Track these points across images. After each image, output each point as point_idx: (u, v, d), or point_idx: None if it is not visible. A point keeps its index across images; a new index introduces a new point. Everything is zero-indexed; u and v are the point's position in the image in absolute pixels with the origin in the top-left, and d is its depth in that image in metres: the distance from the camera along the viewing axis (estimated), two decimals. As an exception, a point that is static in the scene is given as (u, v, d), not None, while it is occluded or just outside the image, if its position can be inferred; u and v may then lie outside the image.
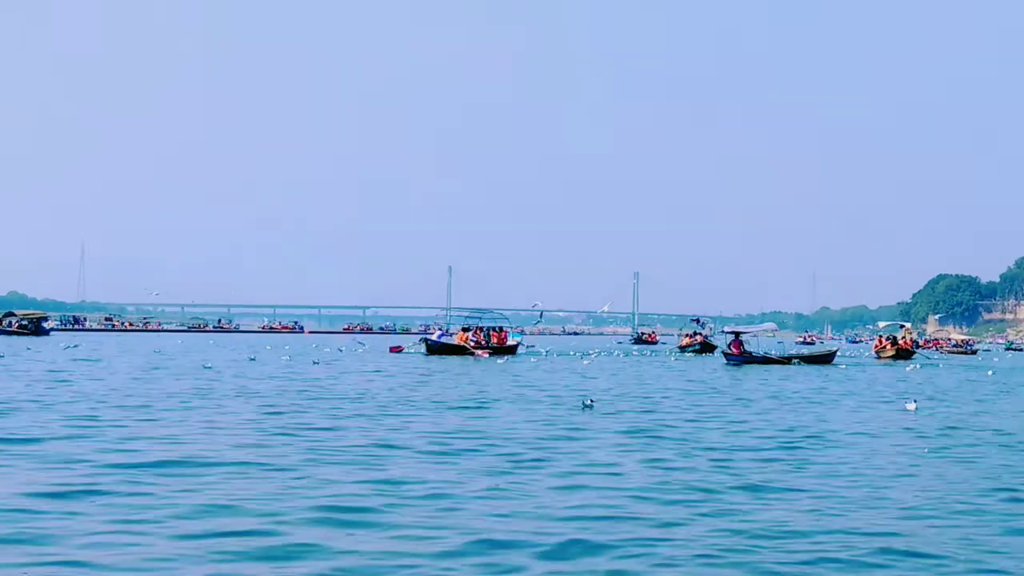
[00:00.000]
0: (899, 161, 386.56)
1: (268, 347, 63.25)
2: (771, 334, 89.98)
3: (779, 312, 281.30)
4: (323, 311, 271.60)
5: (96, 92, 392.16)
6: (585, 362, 49.65)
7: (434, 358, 48.48)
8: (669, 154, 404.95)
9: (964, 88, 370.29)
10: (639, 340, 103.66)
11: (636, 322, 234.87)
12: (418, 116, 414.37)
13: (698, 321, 70.14)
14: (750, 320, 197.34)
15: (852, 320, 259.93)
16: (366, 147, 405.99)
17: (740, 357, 46.66)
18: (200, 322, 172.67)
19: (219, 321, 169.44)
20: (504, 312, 59.21)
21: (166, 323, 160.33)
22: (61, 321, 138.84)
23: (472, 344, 51.88)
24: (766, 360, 46.40)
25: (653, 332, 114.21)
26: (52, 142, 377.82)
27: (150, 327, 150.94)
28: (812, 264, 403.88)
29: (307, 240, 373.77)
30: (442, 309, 53.20)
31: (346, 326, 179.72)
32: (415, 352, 56.08)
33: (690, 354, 60.31)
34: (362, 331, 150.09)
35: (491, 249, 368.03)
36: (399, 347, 60.88)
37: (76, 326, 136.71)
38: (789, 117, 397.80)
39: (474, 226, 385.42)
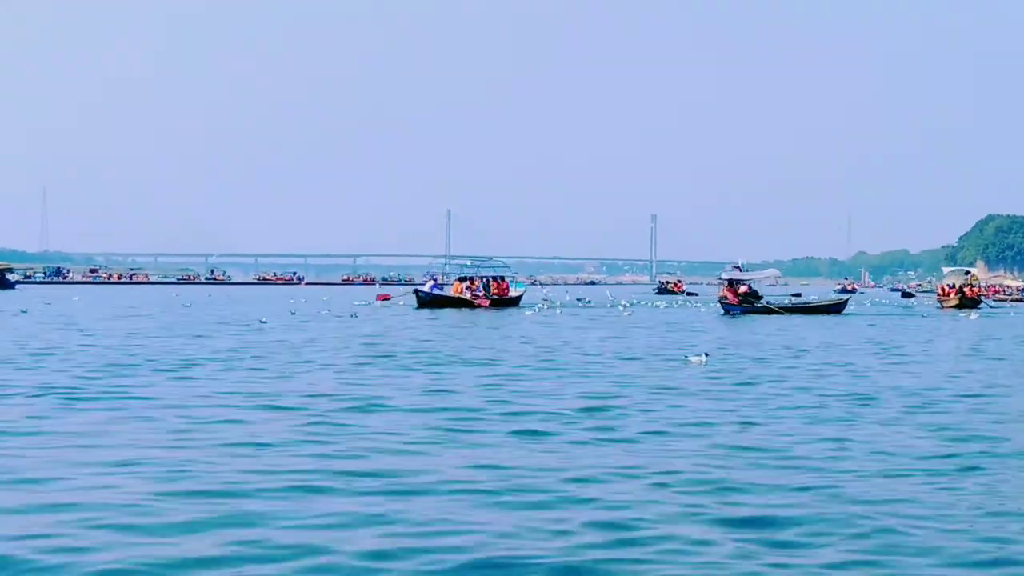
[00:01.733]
0: (941, 90, 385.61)
1: (292, 300, 62.94)
2: (774, 281, 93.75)
3: (811, 258, 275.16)
4: (309, 260, 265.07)
5: (52, 30, 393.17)
6: (626, 313, 48.40)
7: (427, 311, 46.76)
8: (689, 83, 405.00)
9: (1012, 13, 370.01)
10: (663, 290, 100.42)
11: (654, 270, 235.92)
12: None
13: (740, 268, 70.55)
14: (777, 267, 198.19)
15: (892, 266, 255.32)
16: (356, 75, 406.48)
17: (739, 307, 46.86)
18: (190, 273, 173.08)
19: (211, 272, 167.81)
20: (505, 260, 59.88)
21: (153, 275, 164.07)
22: (45, 273, 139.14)
23: (470, 295, 50.84)
24: (769, 310, 46.26)
25: (679, 281, 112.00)
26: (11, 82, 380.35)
27: (137, 279, 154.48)
28: (847, 204, 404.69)
29: (289, 183, 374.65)
30: (437, 257, 53.31)
31: (345, 276, 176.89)
32: (404, 304, 54.81)
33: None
34: (365, 282, 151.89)
35: (494, 192, 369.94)
36: (387, 295, 60.29)
37: (58, 279, 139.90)
38: (820, 43, 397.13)
39: (475, 168, 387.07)
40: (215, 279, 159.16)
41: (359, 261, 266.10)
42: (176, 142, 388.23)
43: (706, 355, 20.83)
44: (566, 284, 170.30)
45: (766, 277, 55.04)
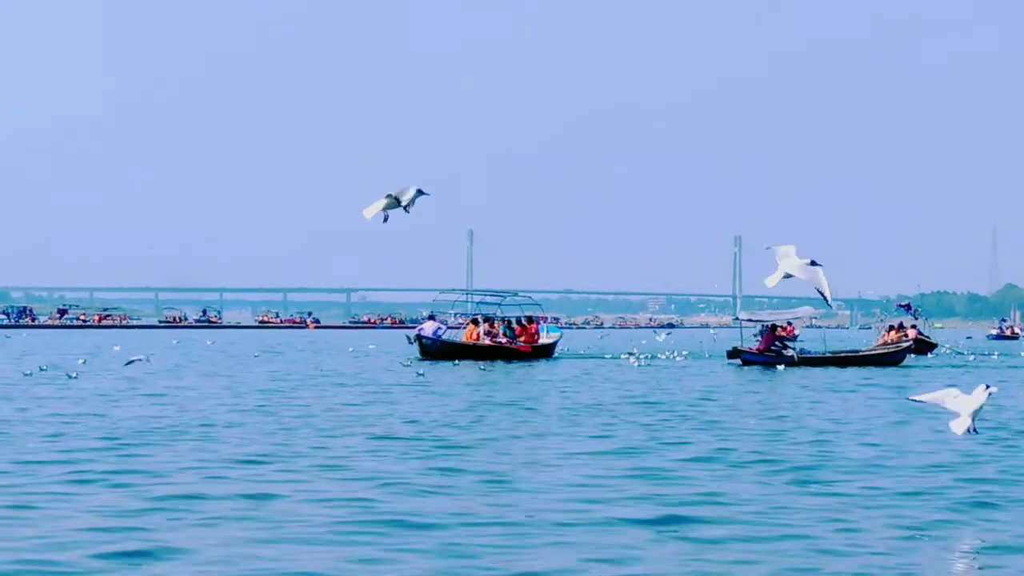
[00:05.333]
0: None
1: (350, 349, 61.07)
2: (808, 322, 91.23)
3: (944, 292, 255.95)
4: (289, 296, 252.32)
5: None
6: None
7: (433, 364, 42.93)
8: (787, 80, 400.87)
9: None
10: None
11: (738, 307, 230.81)
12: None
13: (908, 307, 68.92)
14: (906, 302, 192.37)
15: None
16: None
17: (762, 356, 45.32)
18: (175, 313, 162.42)
19: (204, 312, 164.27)
20: (546, 295, 55.56)
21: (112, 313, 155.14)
22: (5, 314, 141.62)
23: (490, 341, 48.31)
24: (806, 360, 44.83)
25: (791, 324, 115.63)
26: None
27: (114, 322, 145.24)
28: (991, 227, 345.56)
29: (261, 199, 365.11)
30: (444, 292, 50.87)
31: (367, 318, 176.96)
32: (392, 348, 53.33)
33: None
34: (395, 325, 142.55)
35: (524, 211, 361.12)
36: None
37: (21, 321, 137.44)
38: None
39: (500, 181, 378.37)
40: (210, 321, 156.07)
41: (354, 297, 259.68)
42: (91, 162, 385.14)
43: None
44: (636, 327, 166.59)
45: (799, 317, 54.63)
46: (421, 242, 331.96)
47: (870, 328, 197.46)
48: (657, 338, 65.65)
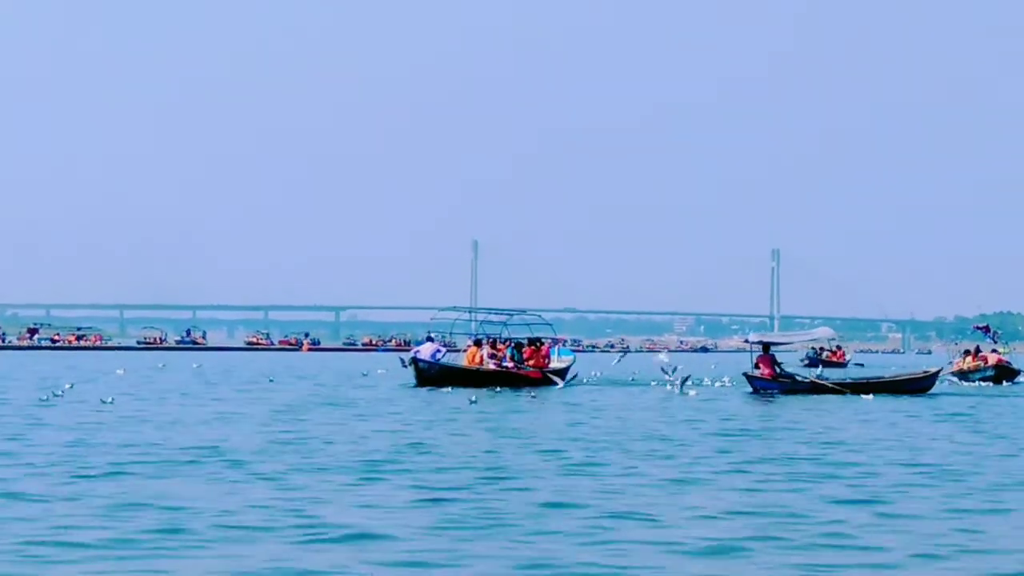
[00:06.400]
0: None
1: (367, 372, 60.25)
2: (827, 345, 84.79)
3: (1005, 313, 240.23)
4: (271, 314, 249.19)
5: None
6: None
7: (430, 392, 41.46)
8: (827, 81, 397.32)
9: None
10: (817, 361, 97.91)
11: (776, 329, 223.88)
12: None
13: (987, 329, 65.80)
14: (960, 325, 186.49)
15: None
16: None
17: (775, 384, 44.59)
18: (155, 333, 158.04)
19: (188, 333, 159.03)
20: (560, 314, 52.49)
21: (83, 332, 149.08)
22: None
23: (495, 365, 46.53)
24: (818, 388, 44.14)
25: (840, 348, 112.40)
26: None
27: (90, 343, 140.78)
28: None
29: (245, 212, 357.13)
30: (444, 309, 48.84)
31: (367, 339, 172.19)
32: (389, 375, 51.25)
33: (979, 383, 57.17)
34: (400, 348, 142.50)
35: (533, 219, 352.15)
36: None
37: None
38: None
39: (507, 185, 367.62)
40: (194, 342, 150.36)
41: (343, 316, 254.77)
42: (51, 169, 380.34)
43: None
44: (668, 351, 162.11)
45: (815, 340, 55.07)
46: (420, 255, 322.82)
47: (930, 353, 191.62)
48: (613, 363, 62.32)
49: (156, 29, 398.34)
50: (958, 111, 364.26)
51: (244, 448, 19.79)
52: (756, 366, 45.40)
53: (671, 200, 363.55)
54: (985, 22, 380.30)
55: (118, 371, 56.12)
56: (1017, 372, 57.99)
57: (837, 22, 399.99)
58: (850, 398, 41.99)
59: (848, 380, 47.58)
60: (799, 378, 46.08)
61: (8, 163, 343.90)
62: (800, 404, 37.92)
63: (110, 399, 32.84)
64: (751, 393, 43.95)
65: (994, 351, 61.74)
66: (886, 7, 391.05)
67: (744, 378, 46.17)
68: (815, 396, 42.24)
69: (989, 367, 58.53)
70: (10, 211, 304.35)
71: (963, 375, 58.59)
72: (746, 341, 51.62)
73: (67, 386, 38.24)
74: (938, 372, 49.52)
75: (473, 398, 35.67)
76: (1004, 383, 55.40)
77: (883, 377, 49.49)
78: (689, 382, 45.78)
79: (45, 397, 34.60)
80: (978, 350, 61.30)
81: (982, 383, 55.75)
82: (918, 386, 46.65)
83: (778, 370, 45.50)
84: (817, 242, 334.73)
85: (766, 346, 46.27)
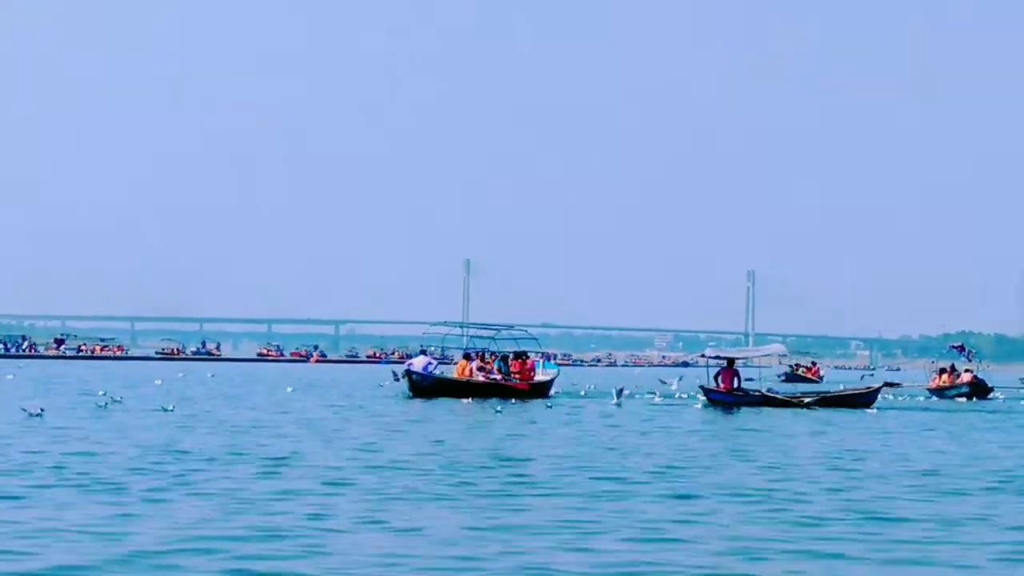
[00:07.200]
0: None
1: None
2: (778, 359, 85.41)
3: (969, 332, 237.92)
4: (274, 327, 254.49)
5: None
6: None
7: (425, 403, 42.23)
8: (802, 101, 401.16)
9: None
10: (793, 376, 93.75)
11: (750, 346, 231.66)
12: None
13: (962, 348, 67.46)
14: (925, 344, 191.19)
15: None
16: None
17: (730, 396, 45.25)
18: (174, 344, 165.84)
19: (203, 344, 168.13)
20: (545, 330, 54.72)
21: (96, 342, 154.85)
22: (5, 345, 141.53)
23: (483, 377, 47.52)
24: (769, 401, 44.76)
25: (815, 364, 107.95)
26: None
27: (113, 352, 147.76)
28: (1018, 264, 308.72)
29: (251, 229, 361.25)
30: (436, 324, 51.97)
31: (371, 352, 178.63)
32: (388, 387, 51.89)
33: (954, 398, 57.39)
34: (400, 360, 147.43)
35: (524, 240, 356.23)
36: None
37: (19, 351, 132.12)
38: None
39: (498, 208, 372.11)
40: (209, 354, 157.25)
41: (342, 329, 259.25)
42: (59, 184, 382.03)
43: None
44: (650, 365, 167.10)
45: (767, 355, 54.20)
46: (415, 273, 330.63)
47: (899, 370, 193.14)
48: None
49: (165, 46, 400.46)
50: (925, 135, 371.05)
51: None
52: (716, 379, 46.26)
53: (653, 223, 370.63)
54: (954, 35, 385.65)
55: (156, 381, 56.42)
56: (990, 389, 58.50)
57: (799, 46, 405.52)
58: (799, 411, 43.01)
59: (798, 395, 47.86)
60: (751, 392, 46.33)
61: (22, 180, 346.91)
62: (746, 417, 38.72)
63: (171, 407, 33.84)
64: (706, 405, 44.94)
65: (968, 370, 62.05)
66: (848, 24, 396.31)
67: (701, 391, 47.08)
68: (767, 409, 43.02)
69: (964, 384, 59.06)
70: (27, 227, 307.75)
71: (939, 392, 59.33)
72: (703, 356, 52.01)
73: (117, 398, 37.83)
74: (880, 388, 50.67)
75: (499, 408, 37.26)
76: (974, 399, 55.68)
77: (829, 392, 50.37)
78: (625, 393, 46.93)
79: (103, 404, 35.22)
80: (953, 368, 62.51)
81: (958, 399, 55.87)
82: (863, 400, 47.68)
83: (735, 384, 46.02)
84: (790, 264, 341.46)
85: (731, 361, 47.13)
